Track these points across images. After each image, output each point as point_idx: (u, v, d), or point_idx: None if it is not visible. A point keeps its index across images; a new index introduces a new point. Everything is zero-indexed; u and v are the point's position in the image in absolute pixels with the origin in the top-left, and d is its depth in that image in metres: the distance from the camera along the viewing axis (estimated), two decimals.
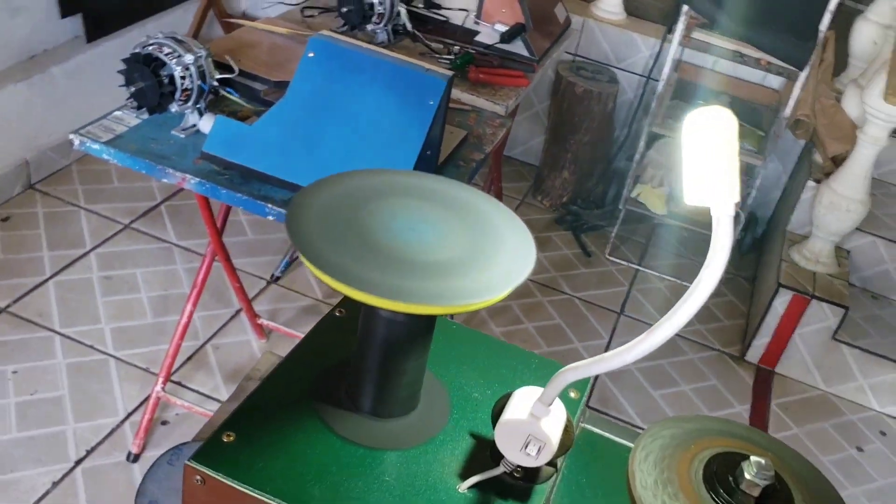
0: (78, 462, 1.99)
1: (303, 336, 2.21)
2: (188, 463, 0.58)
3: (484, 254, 0.59)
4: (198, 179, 1.52)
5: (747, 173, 3.07)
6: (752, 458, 0.58)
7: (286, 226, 0.58)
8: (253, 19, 3.42)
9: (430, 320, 0.61)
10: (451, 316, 0.72)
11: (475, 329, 0.78)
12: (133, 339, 2.35)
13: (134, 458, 2.02)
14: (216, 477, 0.58)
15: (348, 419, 0.64)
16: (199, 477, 0.58)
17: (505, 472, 0.61)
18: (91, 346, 2.29)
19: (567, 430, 0.60)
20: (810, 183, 2.77)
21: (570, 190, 3.27)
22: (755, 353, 2.74)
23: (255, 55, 1.89)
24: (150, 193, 2.93)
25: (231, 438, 0.60)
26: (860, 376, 2.65)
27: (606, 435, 0.76)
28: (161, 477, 0.95)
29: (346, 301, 0.76)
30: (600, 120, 3.13)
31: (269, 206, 1.51)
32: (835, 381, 2.69)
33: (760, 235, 3.28)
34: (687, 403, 2.55)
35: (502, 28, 2.27)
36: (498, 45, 2.24)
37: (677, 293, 3.01)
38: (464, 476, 0.62)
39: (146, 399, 2.16)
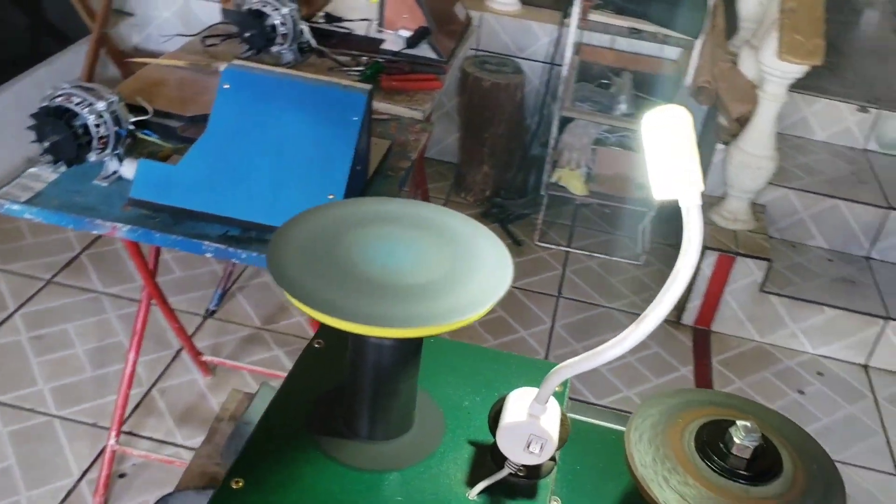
0: None
1: (249, 367, 2.17)
2: None
3: (463, 273, 0.61)
4: (129, 227, 1.49)
5: None
6: (738, 422, 0.61)
7: (268, 266, 0.58)
8: (146, 54, 3.35)
9: (418, 342, 0.63)
10: None
11: (443, 337, 0.79)
12: (75, 395, 2.28)
13: None
14: None
15: (349, 446, 0.65)
16: None
17: (510, 473, 0.63)
18: (32, 410, 2.22)
19: (563, 423, 0.62)
20: (719, 146, 2.87)
21: (492, 183, 3.32)
22: (690, 315, 2.83)
23: (165, 92, 1.86)
24: (68, 244, 2.85)
25: (240, 484, 0.60)
26: (791, 323, 2.77)
27: (589, 420, 0.79)
28: None
29: (322, 332, 0.76)
30: (511, 111, 3.18)
31: (206, 243, 1.50)
32: (768, 332, 2.80)
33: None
34: (634, 373, 2.63)
35: (406, 34, 2.29)
36: (405, 51, 2.26)
37: (609, 268, 3.09)
38: (471, 483, 0.63)
39: (100, 454, 2.11)
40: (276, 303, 2.74)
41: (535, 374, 0.71)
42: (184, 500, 0.96)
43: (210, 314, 2.65)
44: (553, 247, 3.17)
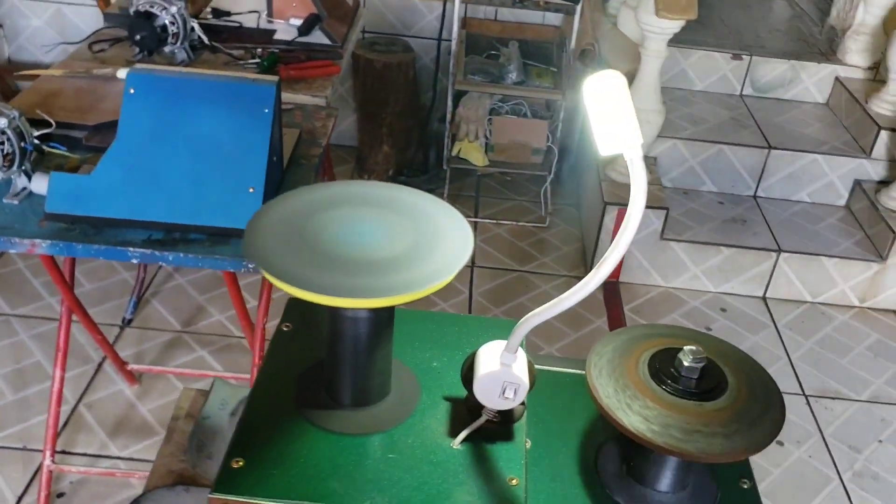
0: None
1: (174, 370, 2.16)
2: (212, 496, 0.62)
3: (427, 246, 0.66)
4: (49, 241, 1.47)
5: (550, 109, 3.27)
6: (685, 347, 0.68)
7: (244, 249, 0.62)
8: (22, 67, 3.23)
9: (390, 312, 0.67)
10: None
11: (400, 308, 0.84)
12: None
13: None
14: (242, 500, 0.62)
15: (335, 415, 0.69)
16: None
17: (487, 420, 0.68)
18: None
19: (530, 370, 0.68)
20: None
21: (393, 162, 3.36)
22: None
23: (63, 103, 1.82)
24: None
25: (241, 464, 0.64)
26: (692, 266, 2.93)
27: (546, 368, 0.85)
28: None
29: (289, 314, 0.80)
30: (405, 89, 3.22)
31: (131, 250, 1.49)
32: (672, 276, 2.96)
33: (574, 163, 3.51)
34: (555, 331, 2.73)
35: (297, 22, 2.30)
36: (299, 40, 2.27)
37: (517, 234, 3.19)
38: (452, 434, 0.69)
39: (34, 477, 2.07)
40: (193, 304, 2.72)
41: (492, 331, 0.77)
42: (155, 499, 0.98)
43: (127, 323, 2.61)
44: None
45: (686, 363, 0.67)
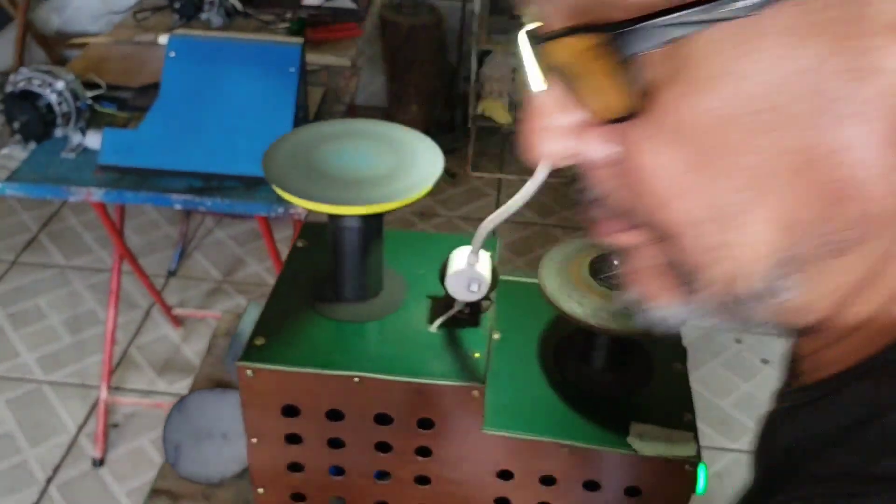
0: (49, 481, 2.11)
1: (220, 314, 2.34)
2: (239, 364, 0.79)
3: (405, 166, 0.82)
4: (103, 190, 1.66)
5: None
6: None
7: (263, 168, 0.79)
8: (70, 36, 3.43)
9: (378, 220, 0.84)
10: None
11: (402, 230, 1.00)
12: (59, 361, 2.45)
13: (99, 462, 2.16)
14: (264, 367, 0.79)
15: (338, 307, 0.86)
16: (250, 371, 0.79)
17: (459, 311, 0.85)
18: (21, 379, 2.38)
19: (494, 270, 0.84)
20: None
21: (422, 121, 3.51)
22: None
23: (112, 68, 2.01)
24: (25, 226, 2.97)
25: (262, 342, 0.81)
26: None
27: (516, 279, 1.02)
28: (177, 425, 1.14)
29: (304, 234, 0.97)
30: (431, 50, 3.36)
31: (174, 196, 1.68)
32: None
33: None
34: None
35: None
36: (326, 5, 2.43)
37: (540, 188, 3.33)
38: (432, 322, 0.85)
39: (92, 409, 2.29)
40: (233, 256, 2.92)
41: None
42: (198, 398, 1.17)
43: (172, 273, 2.82)
44: (486, 175, 3.39)
45: (616, 262, 0.83)
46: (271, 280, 2.84)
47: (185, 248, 2.90)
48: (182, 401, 1.17)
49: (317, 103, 1.95)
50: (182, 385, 2.40)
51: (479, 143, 3.48)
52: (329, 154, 0.82)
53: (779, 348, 2.66)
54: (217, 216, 3.03)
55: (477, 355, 0.82)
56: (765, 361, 2.62)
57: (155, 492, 1.07)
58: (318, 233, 0.98)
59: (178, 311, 2.55)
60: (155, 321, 2.62)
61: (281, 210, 1.67)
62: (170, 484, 1.08)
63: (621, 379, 0.90)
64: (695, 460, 0.83)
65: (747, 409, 2.43)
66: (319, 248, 0.95)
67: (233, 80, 1.70)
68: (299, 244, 0.96)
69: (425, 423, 0.82)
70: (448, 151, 3.49)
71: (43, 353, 2.47)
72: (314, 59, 2.21)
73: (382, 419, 0.82)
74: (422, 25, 3.28)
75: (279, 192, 0.78)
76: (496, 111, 3.30)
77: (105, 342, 2.15)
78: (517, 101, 3.32)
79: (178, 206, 1.69)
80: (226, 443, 1.14)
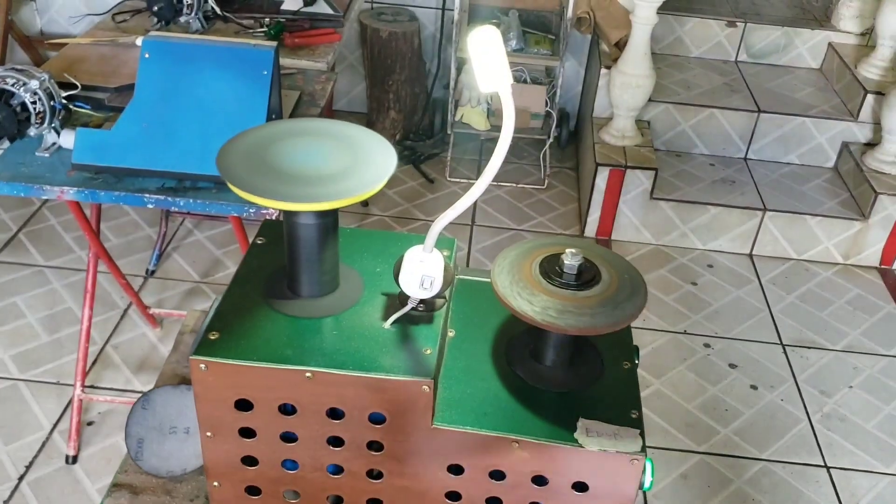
0: (21, 478, 2.12)
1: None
2: (193, 357, 0.81)
3: (359, 164, 0.84)
4: (76, 189, 1.67)
5: (549, 75, 3.42)
6: (567, 250, 0.86)
7: (217, 165, 0.81)
8: (52, 37, 3.43)
9: (334, 218, 0.86)
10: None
11: (361, 228, 1.02)
12: (34, 359, 2.45)
13: (73, 459, 2.16)
14: (216, 361, 0.81)
15: (294, 303, 0.88)
16: (203, 365, 0.81)
17: (412, 308, 0.87)
18: None
19: (447, 269, 0.86)
20: (603, 70, 3.14)
21: (401, 127, 3.53)
22: (591, 228, 3.12)
23: (88, 68, 2.02)
24: (4, 225, 2.97)
25: (216, 336, 0.83)
26: (680, 224, 3.09)
27: (474, 279, 1.04)
28: (140, 420, 1.15)
29: (263, 231, 0.99)
30: (411, 57, 3.39)
31: (147, 195, 1.69)
32: (661, 234, 3.12)
33: (574, 128, 3.67)
34: None
35: None
36: (304, 10, 2.45)
37: (516, 195, 3.36)
38: (386, 319, 0.87)
39: (67, 407, 2.30)
40: (211, 258, 2.93)
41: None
42: (163, 394, 1.18)
43: (150, 274, 2.82)
44: (464, 181, 3.41)
45: (567, 261, 0.85)
46: None
47: (163, 249, 2.91)
48: (146, 396, 1.18)
49: (291, 106, 1.97)
50: None
51: (458, 150, 3.51)
52: (284, 152, 0.85)
53: (746, 353, 2.70)
54: (196, 217, 3.04)
55: (428, 352, 0.85)
56: (732, 366, 2.65)
57: (116, 486, 1.08)
58: (277, 230, 1.00)
59: (154, 311, 2.55)
60: (132, 321, 2.63)
61: (252, 210, 1.69)
62: (131, 478, 1.09)
63: (571, 376, 0.92)
64: (640, 456, 0.85)
65: (713, 413, 2.46)
66: (278, 245, 0.97)
67: (206, 82, 1.72)
68: (258, 241, 0.98)
69: (377, 418, 0.84)
70: (427, 157, 3.52)
71: (18, 351, 2.47)
72: (291, 63, 2.23)
73: (335, 414, 0.84)
74: (401, 32, 3.30)
75: (234, 189, 0.80)
76: (474, 118, 3.33)
77: (80, 340, 2.15)
78: (494, 109, 3.35)
79: (150, 206, 1.70)
80: (188, 437, 1.16)
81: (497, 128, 3.33)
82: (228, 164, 0.82)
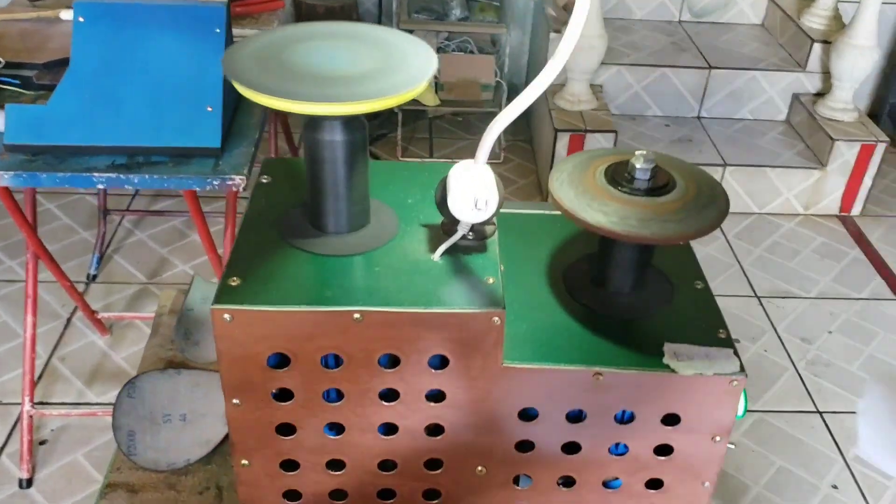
0: None
1: (145, 315, 2.17)
2: (215, 307, 0.66)
3: (394, 65, 0.71)
4: (12, 173, 1.49)
5: (495, 44, 3.32)
6: (636, 153, 0.75)
7: (224, 67, 0.66)
8: None
9: (362, 133, 0.72)
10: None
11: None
12: None
13: (27, 483, 1.96)
14: (244, 309, 0.67)
15: (319, 241, 0.74)
16: (227, 315, 0.66)
17: (462, 236, 0.74)
18: None
19: (498, 185, 0.74)
20: (552, 35, 3.05)
21: None
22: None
23: (9, 45, 1.83)
24: None
25: (237, 282, 0.69)
26: None
27: (513, 210, 0.92)
28: (127, 410, 1.00)
29: (266, 169, 0.84)
30: None
31: (96, 175, 1.51)
32: None
33: None
34: None
35: None
36: None
37: None
38: (432, 252, 0.74)
39: (14, 426, 2.09)
40: (156, 257, 2.74)
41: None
42: (150, 380, 1.03)
43: (92, 279, 2.61)
44: (416, 160, 3.28)
45: (638, 166, 0.74)
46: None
47: (103, 252, 2.70)
48: (131, 384, 1.03)
49: None
50: (114, 394, 2.20)
51: (407, 129, 3.37)
52: (304, 53, 0.70)
53: (723, 308, 2.64)
54: (137, 214, 2.84)
55: (491, 281, 0.72)
56: None
57: (110, 486, 0.92)
58: (283, 167, 0.86)
59: (103, 316, 2.35)
60: (78, 329, 2.42)
61: (216, 182, 1.52)
62: (126, 476, 0.94)
63: (642, 300, 0.81)
64: (740, 376, 0.75)
65: None
66: (286, 182, 0.83)
67: (153, 45, 1.55)
68: (263, 180, 0.84)
69: (438, 362, 0.71)
70: (375, 138, 3.37)
71: None
72: (237, 32, 2.06)
73: (388, 361, 0.71)
74: (339, 7, 3.16)
75: (246, 92, 0.66)
76: (422, 94, 3.20)
77: (24, 350, 1.95)
78: (442, 82, 3.23)
79: (101, 186, 1.53)
80: (186, 425, 1.01)
81: (447, 102, 3.22)
82: (238, 66, 0.67)
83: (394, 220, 0.78)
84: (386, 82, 0.68)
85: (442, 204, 0.74)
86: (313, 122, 0.69)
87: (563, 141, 2.92)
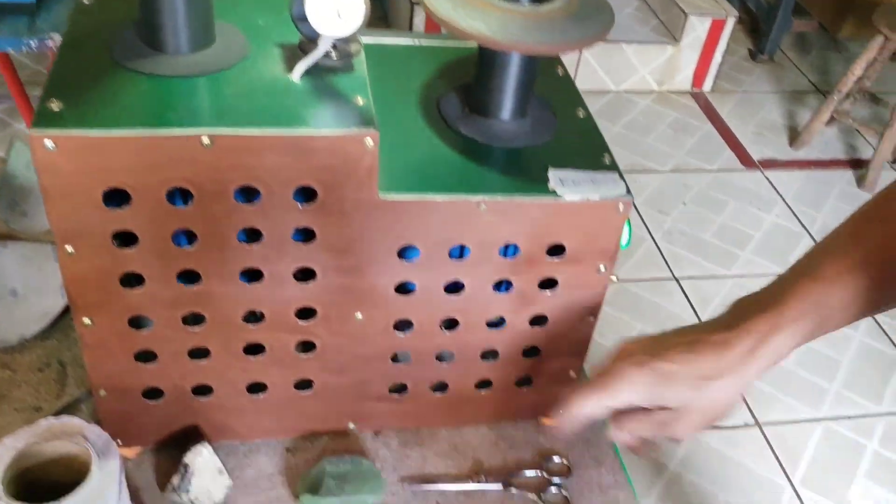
0: None
1: None
2: (34, 132, 0.55)
3: None
4: None
5: None
6: None
7: None
8: None
9: None
10: None
11: None
12: None
13: None
14: (70, 134, 0.56)
15: (155, 60, 0.64)
16: (49, 142, 0.56)
17: (325, 56, 0.65)
18: None
19: None
20: None
21: None
22: None
23: None
24: None
25: (61, 106, 0.58)
26: None
27: (376, 41, 0.84)
28: None
29: None
30: None
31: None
32: None
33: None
34: None
35: None
36: None
37: None
38: (290, 71, 0.65)
39: None
40: None
41: None
42: None
43: None
44: None
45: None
46: None
47: None
48: None
49: None
50: None
51: None
52: None
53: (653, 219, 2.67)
54: None
55: (361, 101, 0.64)
56: None
57: None
58: None
59: None
60: None
61: (34, 42, 1.35)
62: None
63: (525, 129, 0.75)
64: (627, 198, 0.71)
65: None
66: (112, 3, 0.71)
67: None
68: (85, 1, 0.71)
69: (305, 194, 0.63)
70: None
71: None
72: None
73: (246, 195, 0.62)
74: None
75: None
76: None
77: None
78: None
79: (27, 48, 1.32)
80: (18, 300, 0.89)
81: None
82: None
83: (241, 40, 0.68)
84: None
85: (299, 16, 0.65)
86: None
87: (421, 16, 2.81)
